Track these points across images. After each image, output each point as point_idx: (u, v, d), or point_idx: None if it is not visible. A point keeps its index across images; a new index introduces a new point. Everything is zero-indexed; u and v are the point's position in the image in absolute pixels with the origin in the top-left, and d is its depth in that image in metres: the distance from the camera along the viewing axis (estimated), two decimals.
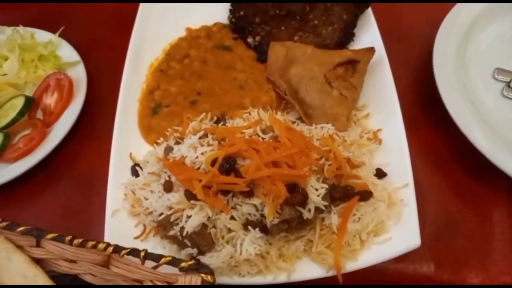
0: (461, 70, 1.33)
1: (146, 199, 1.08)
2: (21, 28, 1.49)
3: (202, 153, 1.02)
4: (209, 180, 0.97)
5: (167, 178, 1.06)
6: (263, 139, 1.07)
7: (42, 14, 1.64)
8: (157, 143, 1.22)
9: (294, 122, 1.25)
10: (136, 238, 1.06)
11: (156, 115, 1.29)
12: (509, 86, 1.35)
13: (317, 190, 0.98)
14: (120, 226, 1.08)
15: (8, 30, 1.47)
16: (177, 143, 1.12)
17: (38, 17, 1.61)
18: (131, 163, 1.19)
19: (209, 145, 1.04)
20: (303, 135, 1.08)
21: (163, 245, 1.05)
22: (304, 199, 0.96)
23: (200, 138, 1.09)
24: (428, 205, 1.17)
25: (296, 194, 0.96)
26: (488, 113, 1.28)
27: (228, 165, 0.98)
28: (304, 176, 0.97)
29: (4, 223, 0.98)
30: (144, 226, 1.08)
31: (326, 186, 0.99)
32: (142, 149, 1.23)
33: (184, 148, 1.05)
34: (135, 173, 1.16)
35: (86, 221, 1.18)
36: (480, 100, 1.31)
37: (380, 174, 1.12)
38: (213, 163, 0.99)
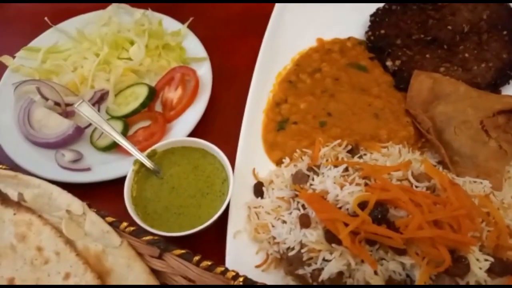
0: None
1: (274, 226, 0.99)
2: (149, 13, 1.43)
3: (349, 193, 0.92)
4: (357, 226, 0.87)
5: (301, 210, 0.97)
6: (416, 187, 0.95)
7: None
8: (281, 162, 1.14)
9: (434, 166, 1.13)
10: (257, 266, 0.98)
11: (282, 131, 1.20)
12: None
13: (479, 261, 0.86)
14: (241, 250, 1.00)
15: (137, 13, 1.41)
16: (311, 170, 1.03)
17: (165, 2, 1.52)
18: (253, 180, 1.11)
19: (356, 184, 0.94)
20: (468, 194, 0.95)
21: (287, 281, 0.96)
22: (466, 271, 0.84)
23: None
24: None
25: (459, 263, 0.84)
26: None
27: (380, 214, 0.87)
28: (470, 243, 0.85)
29: (131, 228, 0.92)
30: (267, 255, 1.00)
31: (491, 259, 0.86)
32: (263, 166, 1.15)
33: (329, 183, 0.95)
34: (259, 193, 1.08)
35: (200, 236, 1.03)
36: None
37: None
38: (360, 206, 0.89)
